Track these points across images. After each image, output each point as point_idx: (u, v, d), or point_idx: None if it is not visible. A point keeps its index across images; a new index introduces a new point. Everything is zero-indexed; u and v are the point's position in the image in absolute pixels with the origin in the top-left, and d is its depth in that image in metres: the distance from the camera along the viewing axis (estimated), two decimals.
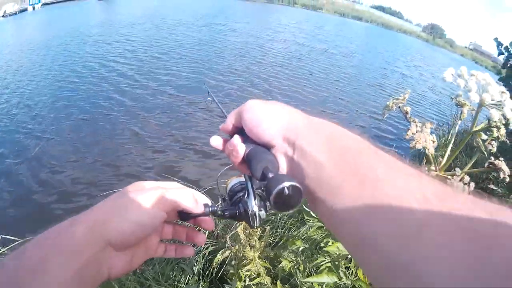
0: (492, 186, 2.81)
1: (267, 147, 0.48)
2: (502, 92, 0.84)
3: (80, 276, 0.42)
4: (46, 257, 0.41)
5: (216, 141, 0.55)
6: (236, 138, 0.51)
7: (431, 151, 0.93)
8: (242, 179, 0.63)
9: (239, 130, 0.53)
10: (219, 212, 0.58)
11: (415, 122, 0.97)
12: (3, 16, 33.95)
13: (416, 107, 11.11)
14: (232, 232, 2.66)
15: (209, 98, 0.96)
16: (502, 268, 0.25)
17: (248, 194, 0.57)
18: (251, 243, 2.35)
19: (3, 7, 35.59)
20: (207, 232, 2.93)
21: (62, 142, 5.78)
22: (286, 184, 0.39)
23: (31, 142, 5.75)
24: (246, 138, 0.51)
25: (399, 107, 1.02)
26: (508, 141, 0.92)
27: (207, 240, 2.87)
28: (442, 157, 1.00)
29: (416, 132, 0.94)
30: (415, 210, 0.31)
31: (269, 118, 0.47)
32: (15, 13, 33.99)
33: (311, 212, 1.74)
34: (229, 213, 0.58)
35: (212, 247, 2.85)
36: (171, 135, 6.33)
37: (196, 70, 10.32)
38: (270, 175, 0.43)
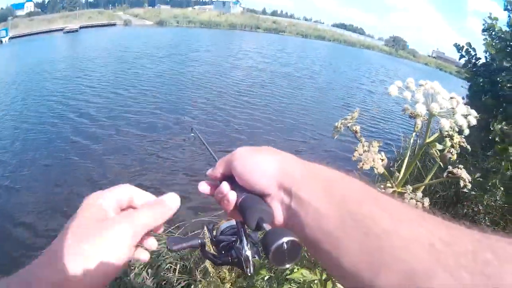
0: (465, 190, 2.80)
1: (261, 195, 0.46)
2: (452, 98, 0.81)
3: None
4: None
5: (204, 188, 0.53)
6: (225, 186, 0.49)
7: (379, 170, 0.92)
8: (233, 223, 0.62)
9: (228, 177, 0.51)
10: (211, 257, 0.57)
11: (361, 142, 0.96)
12: None
13: (383, 123, 11.33)
14: (202, 266, 2.61)
15: (192, 134, 0.95)
16: None
17: (241, 240, 0.55)
18: (221, 275, 2.28)
19: None
20: (178, 266, 2.93)
21: (23, 191, 5.52)
22: (285, 239, 0.37)
23: None
24: (237, 185, 0.49)
25: (347, 127, 1.00)
26: (469, 147, 0.89)
27: (180, 275, 2.84)
28: (399, 172, 0.99)
29: (364, 152, 0.93)
30: (422, 260, 0.31)
31: (262, 167, 0.45)
32: None
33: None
34: (222, 260, 0.57)
35: (185, 282, 2.81)
36: (141, 176, 6.17)
37: (158, 104, 10.49)
38: (267, 227, 0.42)
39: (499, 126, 2.59)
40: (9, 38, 38.97)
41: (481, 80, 3.70)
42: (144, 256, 0.49)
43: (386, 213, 0.36)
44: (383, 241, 0.34)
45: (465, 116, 0.79)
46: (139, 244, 0.47)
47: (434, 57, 76.55)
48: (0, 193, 5.44)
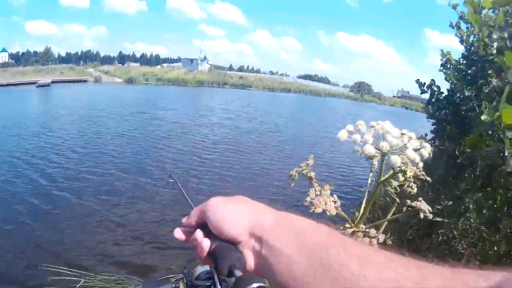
0: (438, 218, 2.98)
1: (233, 242, 0.48)
2: (403, 134, 0.85)
3: None
4: None
5: (179, 235, 0.55)
6: (199, 233, 0.51)
7: (332, 212, 0.95)
8: (208, 268, 0.65)
9: (203, 225, 0.52)
10: None
11: (314, 187, 0.98)
12: None
13: (348, 168, 11.77)
14: None
15: (171, 180, 0.99)
16: None
17: (215, 286, 0.58)
18: None
19: None
20: None
21: None
22: (255, 285, 0.40)
23: None
24: (211, 233, 0.50)
25: (303, 174, 1.03)
26: (429, 178, 0.91)
27: None
28: (359, 212, 1.03)
29: (316, 196, 0.95)
30: None
31: (234, 217, 0.48)
32: None
33: None
34: None
35: None
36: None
37: (121, 165, 10.50)
38: (238, 273, 0.44)
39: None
40: None
41: (443, 112, 3.86)
42: None
43: (353, 257, 0.37)
44: (352, 284, 0.35)
45: (418, 150, 0.84)
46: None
47: (399, 97, 79.34)
48: None
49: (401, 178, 0.88)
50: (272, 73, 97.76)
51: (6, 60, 63.71)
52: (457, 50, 3.92)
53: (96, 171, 9.50)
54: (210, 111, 25.80)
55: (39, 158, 10.52)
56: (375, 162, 0.97)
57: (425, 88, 4.20)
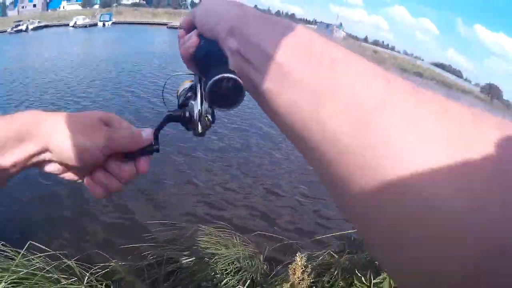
0: None
1: (216, 42, 0.43)
2: None
3: (26, 161, 0.51)
4: (10, 138, 0.49)
5: (180, 33, 0.54)
6: (191, 34, 0.49)
7: None
8: (190, 84, 0.61)
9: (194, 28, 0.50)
10: (160, 122, 0.56)
11: None
12: (73, 26, 39.36)
13: None
14: None
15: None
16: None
17: (195, 96, 0.56)
18: None
19: (74, 18, 41.04)
20: None
21: None
22: (225, 75, 0.36)
23: None
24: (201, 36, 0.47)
25: None
26: None
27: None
28: None
29: None
30: (376, 91, 0.27)
31: (217, 11, 0.43)
32: (85, 26, 39.33)
33: (362, 278, 1.91)
34: (174, 115, 0.57)
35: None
36: None
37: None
38: (211, 70, 0.39)
39: None
40: (111, 23, 43.26)
41: None
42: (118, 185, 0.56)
43: (342, 48, 0.32)
44: (334, 69, 0.30)
45: None
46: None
47: None
48: None
49: None
50: (406, 53, 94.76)
51: (137, 1, 65.70)
52: None
53: None
54: None
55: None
56: None
57: None
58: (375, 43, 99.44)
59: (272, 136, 8.35)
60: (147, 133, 0.55)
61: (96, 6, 56.59)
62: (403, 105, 0.26)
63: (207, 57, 0.44)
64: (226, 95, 0.37)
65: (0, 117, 0.51)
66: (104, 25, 42.26)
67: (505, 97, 78.03)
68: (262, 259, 3.25)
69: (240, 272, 2.89)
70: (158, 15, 54.30)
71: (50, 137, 0.51)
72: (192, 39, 0.48)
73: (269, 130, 8.63)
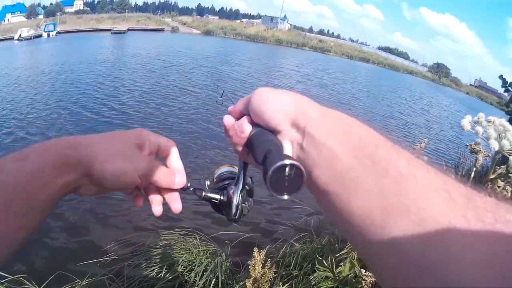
0: None
1: (273, 132, 0.46)
2: None
3: (61, 189, 0.49)
4: (45, 167, 0.47)
5: (227, 121, 0.54)
6: (244, 119, 0.50)
7: None
8: (234, 169, 0.65)
9: (246, 116, 0.51)
10: (198, 192, 0.59)
11: None
12: (18, 39, 37.30)
13: (424, 150, 12.33)
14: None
15: (220, 98, 0.90)
16: None
17: (237, 182, 0.57)
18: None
19: (18, 30, 38.99)
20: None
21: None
22: (287, 161, 0.36)
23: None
24: (253, 123, 0.49)
25: None
26: None
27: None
28: None
29: None
30: (438, 208, 0.31)
31: (276, 102, 0.45)
32: (30, 38, 37.61)
33: (324, 262, 1.97)
34: (211, 196, 0.59)
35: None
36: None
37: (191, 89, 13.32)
38: (271, 156, 0.39)
39: None
40: (56, 33, 42.15)
41: None
42: (138, 202, 0.60)
43: (404, 158, 0.36)
44: (400, 184, 0.33)
45: None
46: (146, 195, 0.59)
47: (476, 86, 77.43)
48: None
49: None
50: (352, 40, 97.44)
51: (81, 8, 65.65)
52: None
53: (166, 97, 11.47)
54: (288, 70, 26.07)
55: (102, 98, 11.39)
56: (480, 157, 1.00)
57: (508, 86, 4.06)
58: (321, 32, 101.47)
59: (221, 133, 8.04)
60: (181, 179, 0.58)
61: (41, 17, 55.39)
62: (461, 223, 0.30)
63: (262, 145, 0.44)
64: (286, 181, 0.37)
65: (30, 148, 0.49)
66: (49, 35, 41.24)
67: (454, 74, 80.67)
68: (225, 257, 3.18)
69: (205, 275, 2.86)
70: (102, 21, 53.65)
71: (90, 163, 0.50)
72: (246, 127, 0.48)
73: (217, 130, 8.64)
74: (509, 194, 0.97)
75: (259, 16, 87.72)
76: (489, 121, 0.92)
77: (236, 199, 0.57)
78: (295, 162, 0.36)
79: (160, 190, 0.59)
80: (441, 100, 35.13)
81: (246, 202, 0.58)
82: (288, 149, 0.44)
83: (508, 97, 4.27)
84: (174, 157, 0.61)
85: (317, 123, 0.41)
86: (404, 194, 0.33)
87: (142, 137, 0.57)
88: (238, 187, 0.57)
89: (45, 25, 43.54)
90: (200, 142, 7.68)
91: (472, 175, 1.13)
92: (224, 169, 0.66)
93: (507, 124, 0.91)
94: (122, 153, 0.53)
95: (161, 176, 0.56)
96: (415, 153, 0.38)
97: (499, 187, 0.98)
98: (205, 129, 8.65)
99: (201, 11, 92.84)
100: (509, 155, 0.88)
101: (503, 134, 0.89)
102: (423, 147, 1.13)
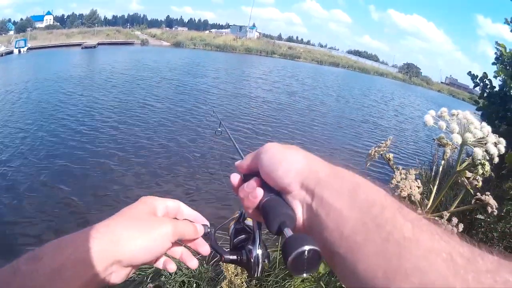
0: (480, 216, 2.86)
1: (283, 192, 0.47)
2: (483, 127, 0.86)
3: (86, 285, 0.46)
4: (64, 266, 0.45)
5: (235, 180, 0.56)
6: (254, 182, 0.51)
7: (417, 197, 0.97)
8: (249, 222, 0.66)
9: (255, 173, 0.52)
10: (219, 249, 0.61)
11: (399, 170, 1.01)
12: None
13: (396, 151, 11.57)
14: None
15: (219, 129, 0.97)
16: None
17: (254, 242, 0.59)
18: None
19: None
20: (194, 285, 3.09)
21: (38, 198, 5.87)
22: (307, 247, 0.38)
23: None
24: (263, 183, 0.50)
25: (381, 154, 1.06)
26: (493, 175, 0.93)
27: None
28: (428, 199, 1.02)
29: (401, 179, 0.98)
30: (441, 272, 0.32)
31: (287, 163, 0.47)
32: (1, 55, 35.82)
33: None
34: (231, 258, 0.60)
35: None
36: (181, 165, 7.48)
37: (177, 111, 12.37)
38: (288, 232, 0.42)
39: None
40: (27, 49, 40.72)
41: (495, 108, 3.86)
42: (172, 266, 0.59)
43: (408, 221, 0.37)
44: (403, 248, 0.34)
45: (495, 145, 0.85)
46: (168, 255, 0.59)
47: (447, 83, 78.63)
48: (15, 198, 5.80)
49: (480, 171, 0.90)
50: (321, 45, 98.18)
51: (51, 23, 65.08)
52: (510, 42, 3.87)
53: (152, 115, 11.02)
54: (258, 80, 25.89)
55: (92, 111, 11.50)
56: (448, 150, 1.01)
57: (477, 80, 4.08)
58: (290, 39, 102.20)
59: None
60: (201, 228, 0.60)
61: (11, 32, 53.85)
62: (460, 286, 0.31)
63: (276, 217, 0.45)
64: (305, 262, 0.39)
65: (44, 247, 0.47)
66: (20, 51, 39.69)
67: (424, 73, 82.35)
68: (205, 261, 3.22)
69: (186, 284, 2.91)
70: (73, 36, 52.43)
71: (116, 248, 0.49)
72: (258, 193, 0.49)
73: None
74: (480, 183, 0.93)
75: (228, 26, 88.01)
76: (453, 115, 0.89)
77: (256, 259, 0.57)
78: (314, 247, 0.38)
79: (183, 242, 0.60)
80: (412, 100, 35.47)
81: (266, 260, 0.58)
82: (298, 210, 0.46)
83: (479, 92, 4.29)
84: (185, 209, 0.62)
85: (326, 184, 0.43)
86: (406, 258, 0.34)
87: (151, 204, 0.57)
88: (255, 246, 0.58)
89: (16, 41, 42.30)
90: (188, 169, 7.39)
91: (441, 168, 1.06)
92: (234, 226, 0.68)
93: (471, 116, 0.86)
94: (143, 225, 0.52)
95: (189, 230, 0.57)
96: (421, 214, 0.41)
97: (467, 178, 0.95)
98: (200, 158, 8.21)
99: (170, 23, 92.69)
100: (474, 147, 0.86)
101: (467, 127, 0.86)
102: (388, 144, 1.03)
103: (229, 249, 0.64)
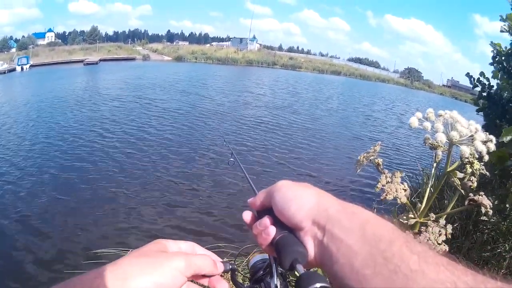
0: (484, 218, 2.68)
1: (295, 229, 0.50)
2: (471, 124, 0.86)
3: None
4: None
5: (247, 217, 0.58)
6: (267, 220, 0.53)
7: (402, 200, 0.98)
8: (265, 256, 0.69)
9: (268, 210, 0.55)
10: (240, 285, 0.65)
11: (384, 174, 1.02)
12: None
13: (399, 156, 12.04)
14: None
15: (231, 159, 1.02)
16: None
17: (272, 276, 0.61)
18: None
19: None
20: None
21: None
22: (318, 285, 0.40)
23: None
24: (275, 219, 0.53)
25: (370, 160, 1.07)
26: (488, 174, 0.94)
27: None
28: (421, 202, 1.03)
29: (387, 183, 0.99)
30: None
31: (299, 200, 0.50)
32: (4, 72, 36.72)
33: None
34: None
35: None
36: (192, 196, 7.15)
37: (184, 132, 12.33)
38: (300, 269, 0.45)
39: None
40: (29, 66, 42.07)
41: (494, 107, 3.89)
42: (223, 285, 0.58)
43: (415, 254, 0.39)
44: (409, 279, 0.37)
45: (485, 143, 0.85)
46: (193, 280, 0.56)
47: (449, 86, 78.60)
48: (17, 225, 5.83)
49: (469, 170, 0.91)
50: (322, 54, 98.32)
51: (53, 40, 67.30)
52: (507, 40, 3.75)
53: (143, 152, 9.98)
54: (262, 91, 26.75)
55: (104, 125, 11.98)
56: (439, 153, 1.01)
57: (476, 82, 4.13)
58: (290, 49, 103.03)
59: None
60: (220, 265, 0.58)
61: (13, 50, 55.42)
62: None
63: (289, 254, 0.48)
64: None
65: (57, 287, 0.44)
66: (22, 69, 41.03)
67: (426, 77, 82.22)
68: None
69: None
70: (74, 52, 53.83)
71: (126, 287, 0.46)
72: (271, 231, 0.51)
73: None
74: (474, 184, 0.96)
75: (228, 39, 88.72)
76: (439, 115, 0.92)
77: None
78: (325, 284, 0.41)
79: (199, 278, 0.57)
80: (415, 105, 35.34)
81: None
82: (310, 246, 0.48)
83: (478, 93, 4.28)
84: (200, 250, 0.60)
85: (336, 220, 0.46)
86: None
87: (162, 243, 0.56)
88: (273, 281, 0.61)
89: (18, 58, 43.50)
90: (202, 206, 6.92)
91: (433, 171, 1.13)
92: (256, 258, 0.73)
93: (457, 116, 0.91)
94: (152, 261, 0.50)
95: (207, 264, 0.55)
96: (427, 246, 0.48)
97: (459, 179, 0.98)
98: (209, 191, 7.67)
99: (171, 37, 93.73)
100: (461, 145, 0.87)
101: (453, 125, 0.89)
102: (377, 149, 1.08)
103: (248, 284, 0.69)
